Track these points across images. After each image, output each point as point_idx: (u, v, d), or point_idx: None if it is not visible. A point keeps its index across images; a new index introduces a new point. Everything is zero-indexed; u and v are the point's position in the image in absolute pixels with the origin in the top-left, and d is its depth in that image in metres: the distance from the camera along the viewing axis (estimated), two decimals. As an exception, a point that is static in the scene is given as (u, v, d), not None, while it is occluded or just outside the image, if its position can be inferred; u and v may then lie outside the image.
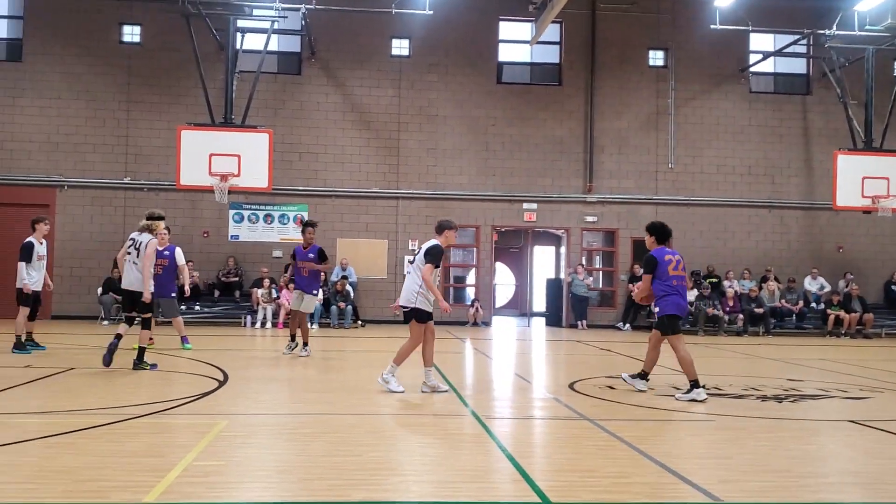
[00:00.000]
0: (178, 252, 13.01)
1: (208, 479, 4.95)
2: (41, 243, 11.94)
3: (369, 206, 21.54)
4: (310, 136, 21.44)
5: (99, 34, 21.04)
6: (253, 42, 19.25)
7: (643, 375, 9.19)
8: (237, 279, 20.66)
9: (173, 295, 12.96)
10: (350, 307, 19.84)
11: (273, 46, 19.88)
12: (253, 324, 19.33)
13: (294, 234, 20.75)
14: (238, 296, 20.51)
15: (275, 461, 5.57)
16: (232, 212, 20.99)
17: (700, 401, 8.39)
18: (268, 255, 21.10)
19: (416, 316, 8.58)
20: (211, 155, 16.82)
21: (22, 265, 11.71)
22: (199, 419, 7.00)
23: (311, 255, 12.11)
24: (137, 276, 10.19)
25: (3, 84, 20.72)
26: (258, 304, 19.47)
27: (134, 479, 4.85)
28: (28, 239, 11.89)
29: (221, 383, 9.05)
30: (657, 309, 8.92)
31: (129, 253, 10.37)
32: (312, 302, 12.30)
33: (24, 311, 11.77)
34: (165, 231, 12.27)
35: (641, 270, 9.50)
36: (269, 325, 19.25)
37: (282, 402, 8.11)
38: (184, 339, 12.88)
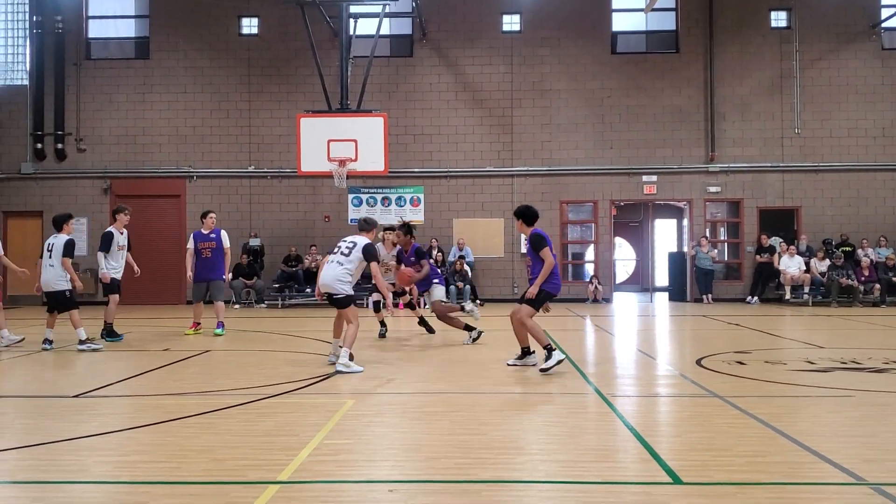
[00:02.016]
0: (224, 235, 13.12)
1: (338, 458, 5.06)
2: (121, 233, 12.15)
3: (484, 185, 21.51)
4: (423, 117, 21.58)
5: (219, 28, 21.81)
6: (365, 27, 19.49)
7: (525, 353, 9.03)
8: (358, 261, 21.08)
9: (223, 278, 13.04)
10: (468, 287, 19.93)
11: (385, 30, 20.07)
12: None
13: (411, 216, 21.01)
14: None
15: (402, 440, 5.64)
16: (351, 196, 21.41)
17: (560, 360, 8.40)
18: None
19: (350, 302, 8.97)
20: (329, 141, 17.15)
21: (100, 255, 11.95)
22: (328, 398, 7.18)
23: (412, 259, 11.92)
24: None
25: (133, 81, 21.80)
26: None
27: (268, 458, 5.02)
28: (108, 229, 12.16)
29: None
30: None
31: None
32: (439, 290, 12.09)
33: (115, 299, 11.96)
34: (213, 216, 13.15)
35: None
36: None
37: (405, 382, 8.22)
38: (219, 325, 12.74)
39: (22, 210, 21.81)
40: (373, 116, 17.82)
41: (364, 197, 21.55)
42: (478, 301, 20.02)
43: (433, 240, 20.78)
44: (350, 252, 9.00)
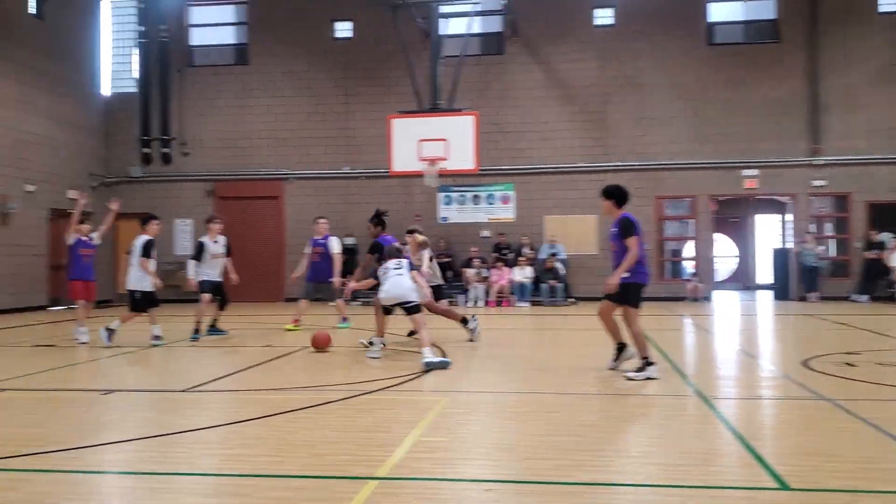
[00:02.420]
0: (333, 241, 13.80)
1: (434, 455, 5.10)
2: (215, 241, 12.55)
3: (575, 182, 21.28)
4: (514, 114, 21.52)
5: (315, 33, 22.29)
6: (456, 27, 19.57)
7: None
8: (449, 260, 21.20)
9: (331, 280, 13.56)
10: (561, 285, 19.77)
11: (476, 29, 20.10)
12: (466, 303, 19.78)
13: (501, 214, 21.00)
14: (451, 276, 21.05)
15: (497, 439, 5.65)
16: (441, 194, 21.54)
17: (653, 378, 7.71)
18: (476, 235, 21.47)
19: (419, 309, 9.41)
20: (420, 140, 17.30)
21: (191, 263, 12.54)
22: (422, 396, 7.25)
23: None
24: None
25: (233, 87, 22.52)
26: (469, 283, 19.91)
27: (367, 454, 5.10)
28: (201, 239, 12.70)
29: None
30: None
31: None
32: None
33: (206, 298, 12.30)
34: (322, 222, 14.03)
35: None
36: (480, 303, 19.63)
37: (499, 381, 8.22)
38: (343, 319, 13.75)
39: (131, 212, 22.80)
40: (463, 115, 17.88)
41: (454, 195, 21.65)
42: (571, 299, 19.81)
43: (523, 237, 20.71)
44: (401, 267, 9.52)
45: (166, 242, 22.53)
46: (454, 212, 21.73)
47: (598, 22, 21.40)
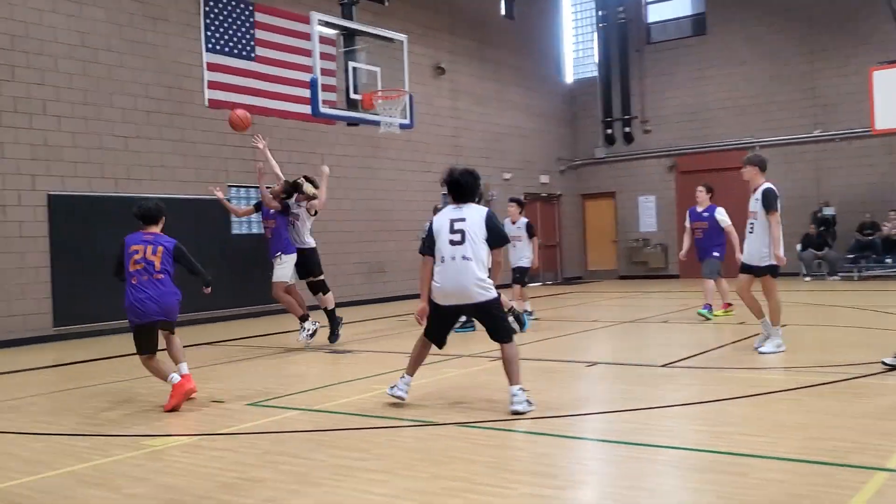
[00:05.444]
0: (720, 212, 11.45)
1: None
2: (514, 223, 11.94)
3: None
4: None
5: (776, -10, 20.96)
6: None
7: None
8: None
9: (714, 255, 11.38)
10: None
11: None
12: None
13: None
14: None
15: None
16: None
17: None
18: None
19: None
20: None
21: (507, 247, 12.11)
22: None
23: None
24: None
25: (691, 59, 22.25)
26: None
27: (868, 441, 4.70)
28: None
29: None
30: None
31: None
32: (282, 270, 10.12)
33: (517, 290, 11.84)
34: (702, 190, 11.66)
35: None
36: None
37: None
38: (706, 307, 11.31)
39: (596, 192, 23.99)
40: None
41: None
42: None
43: None
44: None
45: (631, 219, 23.25)
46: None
47: None
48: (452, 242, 5.85)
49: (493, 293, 5.93)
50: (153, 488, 4.39)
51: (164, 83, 13.70)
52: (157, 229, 6.77)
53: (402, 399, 6.16)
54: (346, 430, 5.60)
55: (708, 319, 11.11)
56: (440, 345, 6.24)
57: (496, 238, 5.96)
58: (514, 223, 12.01)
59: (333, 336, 10.12)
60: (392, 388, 6.23)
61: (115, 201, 12.73)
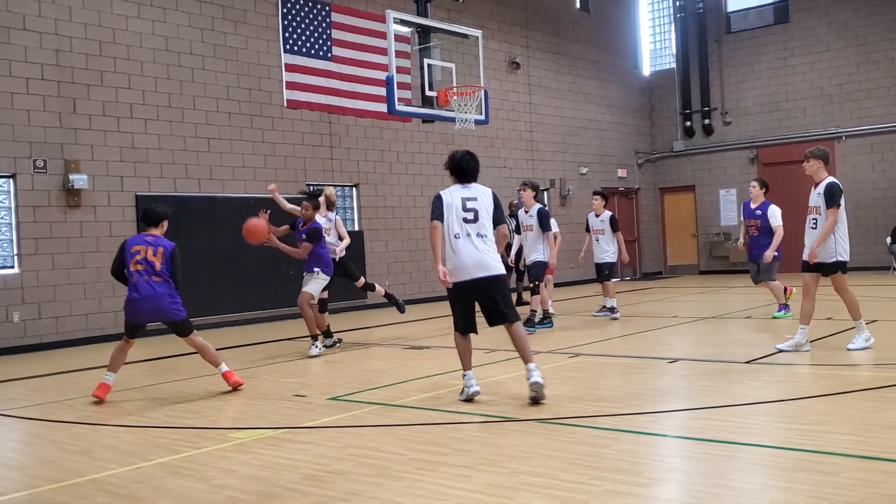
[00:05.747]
0: (773, 210, 10.72)
1: None
2: (598, 216, 11.88)
3: None
4: None
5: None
6: None
7: None
8: None
9: (763, 256, 10.55)
10: None
11: None
12: None
13: None
14: None
15: None
16: None
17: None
18: None
19: None
20: None
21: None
22: None
23: (302, 236, 9.53)
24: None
25: (774, 48, 21.59)
26: None
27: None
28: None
29: None
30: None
31: None
32: (314, 284, 9.70)
33: (542, 288, 10.93)
34: (755, 185, 11.09)
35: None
36: None
37: None
38: (781, 307, 10.90)
39: (675, 185, 23.54)
40: None
41: None
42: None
43: None
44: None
45: (711, 213, 22.74)
46: None
47: None
48: (466, 220, 6.24)
49: (504, 268, 6.41)
50: (241, 479, 4.53)
51: (243, 85, 14.05)
52: (158, 231, 7.22)
53: (478, 393, 6.24)
54: (426, 424, 5.65)
55: (788, 317, 10.69)
56: (472, 331, 6.41)
57: (500, 216, 6.43)
58: (597, 216, 11.91)
59: (401, 308, 10.46)
60: (461, 393, 6.36)
61: (199, 201, 13.14)
